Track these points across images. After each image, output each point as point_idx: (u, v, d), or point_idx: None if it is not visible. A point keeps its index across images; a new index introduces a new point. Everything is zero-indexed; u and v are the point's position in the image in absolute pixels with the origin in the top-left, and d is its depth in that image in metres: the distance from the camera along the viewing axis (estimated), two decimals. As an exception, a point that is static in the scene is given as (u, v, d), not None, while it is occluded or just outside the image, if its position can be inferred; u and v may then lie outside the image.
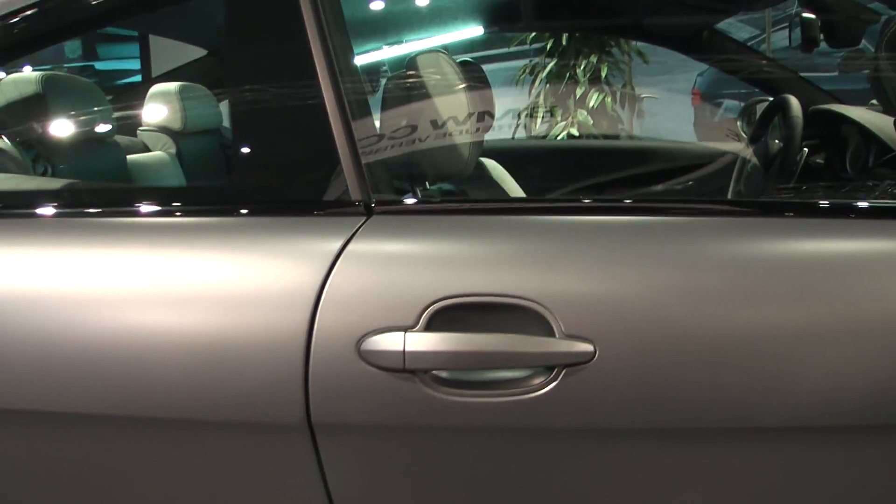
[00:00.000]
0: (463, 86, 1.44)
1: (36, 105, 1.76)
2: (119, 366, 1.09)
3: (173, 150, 2.56)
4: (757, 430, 1.00)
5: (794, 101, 2.10)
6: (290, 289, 1.06)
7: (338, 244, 1.08)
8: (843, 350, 0.98)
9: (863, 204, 1.20)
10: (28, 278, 1.14)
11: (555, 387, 1.00)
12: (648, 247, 1.07)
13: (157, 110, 2.39)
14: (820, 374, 0.98)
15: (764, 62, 2.56)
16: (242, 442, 1.09)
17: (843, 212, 1.15)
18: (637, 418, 1.01)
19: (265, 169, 1.22)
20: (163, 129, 2.50)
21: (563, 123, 5.00)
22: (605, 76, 5.11)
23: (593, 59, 5.04)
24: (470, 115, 1.42)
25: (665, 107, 6.24)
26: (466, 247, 1.10)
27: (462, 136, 1.40)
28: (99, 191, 1.60)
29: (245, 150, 1.28)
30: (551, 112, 5.18)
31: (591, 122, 4.99)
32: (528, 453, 1.04)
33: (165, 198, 1.33)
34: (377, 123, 1.37)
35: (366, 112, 1.25)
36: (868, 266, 1.02)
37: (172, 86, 2.48)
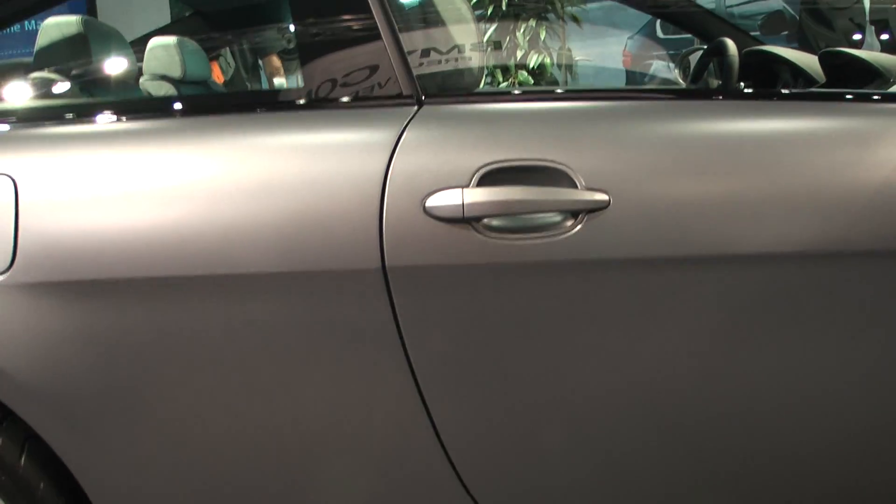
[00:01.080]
0: (472, 19, 1.75)
1: (78, 44, 1.99)
2: (220, 228, 1.35)
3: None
4: (735, 256, 1.32)
5: (730, 43, 2.41)
6: (365, 161, 1.35)
7: (400, 126, 1.37)
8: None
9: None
10: (158, 168, 1.39)
11: (580, 229, 1.31)
12: (642, 124, 1.39)
13: (158, 60, 2.59)
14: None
15: (698, 10, 2.86)
16: (327, 290, 1.35)
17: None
18: (644, 249, 1.32)
19: (339, 76, 1.49)
20: (164, 77, 2.71)
21: (506, 84, 5.31)
22: (544, 40, 5.43)
23: (532, 23, 5.35)
24: (476, 43, 1.72)
25: (599, 69, 6.62)
26: (504, 125, 1.41)
27: (473, 57, 1.71)
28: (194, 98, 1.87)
29: (321, 63, 1.54)
30: (492, 74, 5.49)
31: (532, 82, 5.32)
32: (562, 285, 1.34)
33: (257, 98, 1.62)
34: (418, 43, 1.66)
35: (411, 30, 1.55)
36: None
37: (171, 39, 2.69)
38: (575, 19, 5.63)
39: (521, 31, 5.29)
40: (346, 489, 1.44)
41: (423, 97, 1.44)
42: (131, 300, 1.37)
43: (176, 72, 2.76)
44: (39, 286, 1.37)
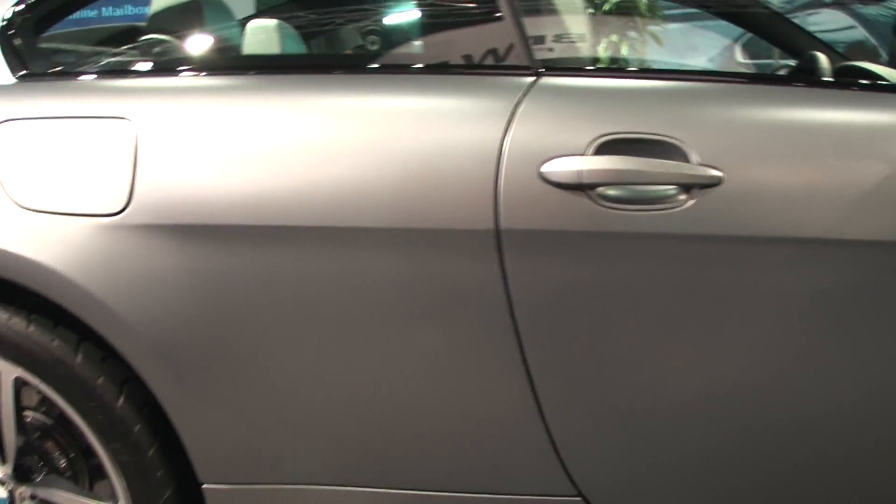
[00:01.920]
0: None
1: (193, 11, 2.05)
2: (334, 182, 1.37)
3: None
4: (844, 241, 1.31)
5: (822, 57, 2.37)
6: (484, 125, 1.36)
7: (518, 94, 1.39)
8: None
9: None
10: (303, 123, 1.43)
11: (692, 203, 1.30)
12: (755, 106, 1.40)
13: (258, 42, 2.64)
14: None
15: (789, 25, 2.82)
16: (438, 249, 1.37)
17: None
18: (754, 228, 1.31)
19: (461, 46, 1.52)
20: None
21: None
22: (625, 58, 5.40)
23: (613, 38, 5.33)
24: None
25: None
26: (619, 99, 1.42)
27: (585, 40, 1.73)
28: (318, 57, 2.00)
29: (445, 33, 1.58)
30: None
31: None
32: (671, 258, 1.34)
33: (400, 59, 1.65)
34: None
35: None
36: None
37: (271, 21, 2.74)
38: (656, 39, 5.59)
39: (602, 45, 5.26)
40: (439, 449, 1.45)
41: (540, 69, 1.45)
42: (242, 248, 1.39)
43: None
44: (152, 228, 1.41)
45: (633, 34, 5.62)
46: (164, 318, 1.40)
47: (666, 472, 1.41)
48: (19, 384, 1.52)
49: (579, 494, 1.43)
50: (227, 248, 1.38)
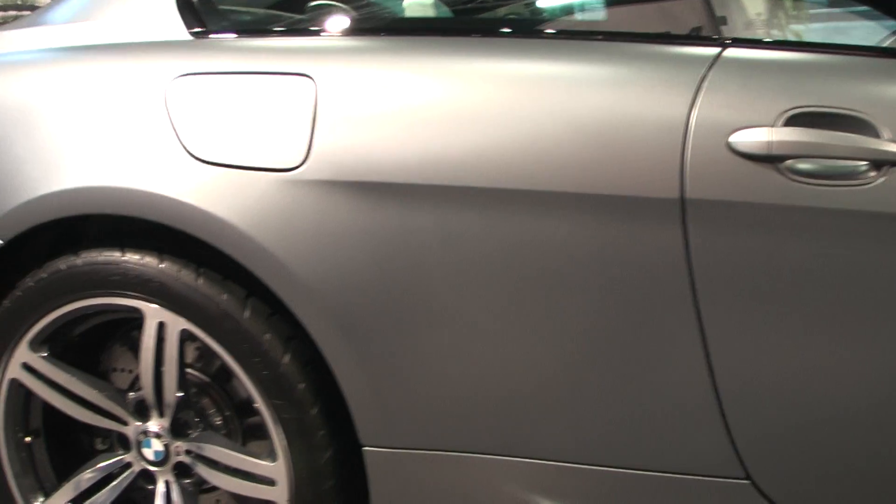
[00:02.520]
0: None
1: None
2: (517, 144, 1.33)
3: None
4: None
5: None
6: (670, 94, 1.32)
7: (705, 65, 1.34)
8: None
9: None
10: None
11: (883, 181, 1.23)
12: None
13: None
14: None
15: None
16: (621, 216, 1.31)
17: None
18: None
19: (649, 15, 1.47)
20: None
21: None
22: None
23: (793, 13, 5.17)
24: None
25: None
26: (808, 72, 1.36)
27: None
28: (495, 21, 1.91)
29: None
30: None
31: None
32: (858, 235, 1.26)
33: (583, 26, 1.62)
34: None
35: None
36: None
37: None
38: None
39: (784, 21, 5.11)
40: (608, 422, 1.39)
41: (727, 41, 1.39)
42: (420, 208, 1.36)
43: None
44: (329, 184, 1.39)
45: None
46: (335, 275, 1.39)
47: (840, 465, 1.33)
48: (184, 338, 1.51)
49: (748, 478, 1.35)
50: (405, 207, 1.36)
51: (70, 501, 1.70)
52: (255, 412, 1.59)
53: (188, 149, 1.44)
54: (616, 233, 1.31)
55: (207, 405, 1.69)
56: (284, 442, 1.49)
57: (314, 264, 1.39)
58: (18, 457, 1.70)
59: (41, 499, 1.72)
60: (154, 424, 1.61)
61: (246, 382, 1.48)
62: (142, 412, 1.63)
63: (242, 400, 1.69)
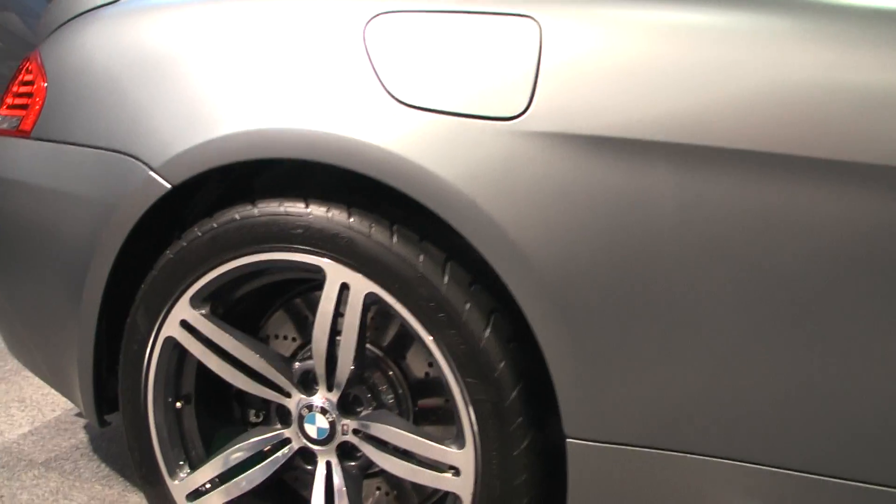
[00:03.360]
0: None
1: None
2: (771, 101, 1.14)
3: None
4: None
5: None
6: None
7: None
8: None
9: None
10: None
11: None
12: None
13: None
14: None
15: None
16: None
17: None
18: None
19: None
20: None
21: None
22: None
23: None
24: None
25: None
26: None
27: None
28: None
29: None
30: None
31: None
32: None
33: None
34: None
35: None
36: None
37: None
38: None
39: None
40: (864, 431, 1.19)
41: None
42: (658, 169, 1.18)
43: None
44: (553, 137, 1.22)
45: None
46: (556, 241, 1.21)
47: None
48: (368, 303, 1.35)
49: None
50: (642, 168, 1.18)
51: (216, 476, 1.55)
52: (430, 392, 1.42)
53: (391, 91, 1.28)
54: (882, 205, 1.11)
55: (379, 381, 1.53)
56: (476, 427, 1.32)
57: (533, 227, 1.22)
58: (167, 422, 1.56)
59: (186, 470, 1.58)
60: (320, 398, 1.45)
61: (437, 357, 1.32)
62: (306, 384, 1.48)
63: (416, 379, 1.53)
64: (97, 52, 1.55)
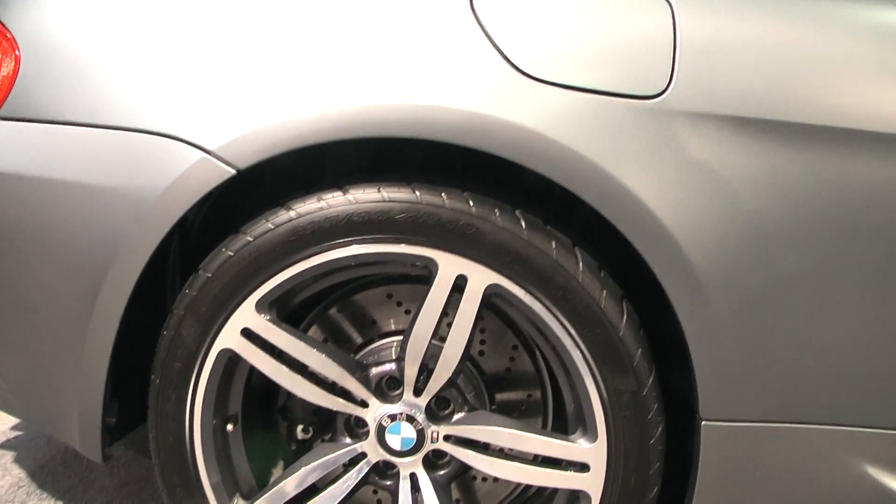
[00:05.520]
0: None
1: None
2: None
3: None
4: None
5: None
6: None
7: None
8: None
9: None
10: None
11: None
12: None
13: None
14: None
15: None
16: None
17: None
18: None
19: None
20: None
21: None
22: None
23: None
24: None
25: None
26: None
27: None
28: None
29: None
30: None
31: None
32: None
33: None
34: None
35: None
36: None
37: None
38: None
39: None
40: None
41: None
42: (805, 152, 1.19)
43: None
44: (696, 116, 1.18)
45: None
46: (704, 224, 1.18)
47: None
48: (488, 295, 1.25)
49: None
50: (788, 150, 1.18)
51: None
52: (504, 386, 1.34)
53: (516, 64, 1.18)
54: None
55: (462, 381, 1.42)
56: (611, 418, 1.26)
57: (682, 210, 1.18)
58: (215, 448, 1.35)
59: (241, 503, 1.38)
60: (403, 405, 1.32)
61: (569, 349, 1.24)
62: (381, 392, 1.34)
63: (495, 374, 1.44)
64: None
